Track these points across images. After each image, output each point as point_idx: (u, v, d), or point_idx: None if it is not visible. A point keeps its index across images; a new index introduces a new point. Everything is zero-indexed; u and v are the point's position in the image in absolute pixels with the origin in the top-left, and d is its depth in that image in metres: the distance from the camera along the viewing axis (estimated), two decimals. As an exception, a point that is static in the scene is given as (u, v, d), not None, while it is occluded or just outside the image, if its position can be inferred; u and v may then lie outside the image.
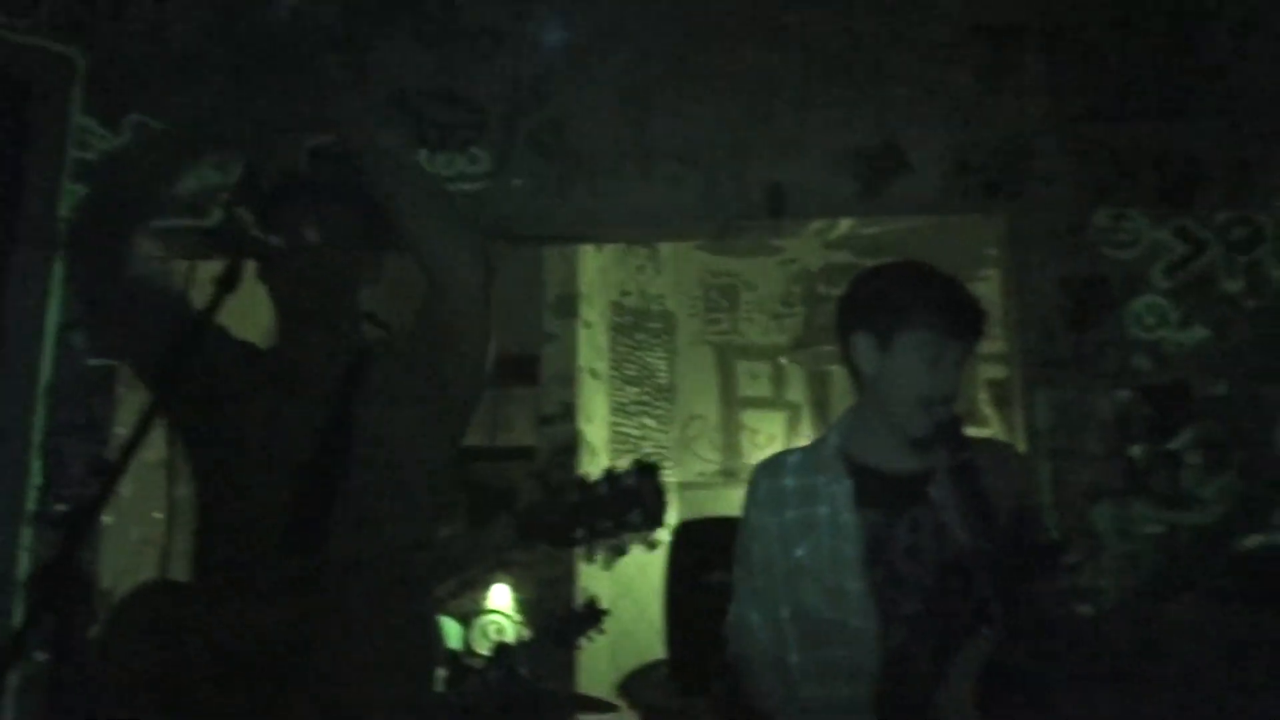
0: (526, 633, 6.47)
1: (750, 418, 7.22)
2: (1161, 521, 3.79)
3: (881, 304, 2.29)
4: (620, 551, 2.01)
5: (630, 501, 1.99)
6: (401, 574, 2.03)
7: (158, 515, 2.17)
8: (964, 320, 2.26)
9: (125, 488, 1.97)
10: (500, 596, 6.87)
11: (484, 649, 6.24)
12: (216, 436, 2.09)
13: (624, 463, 2.01)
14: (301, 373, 2.12)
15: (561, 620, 3.81)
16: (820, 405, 7.16)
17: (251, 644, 1.87)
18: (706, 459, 7.13)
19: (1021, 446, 3.94)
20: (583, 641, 3.76)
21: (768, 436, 7.15)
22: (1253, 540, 3.69)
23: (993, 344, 5.18)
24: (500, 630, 6.79)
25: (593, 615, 3.71)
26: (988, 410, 6.61)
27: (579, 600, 4.82)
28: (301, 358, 2.13)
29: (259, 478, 2.04)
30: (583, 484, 2.02)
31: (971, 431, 2.19)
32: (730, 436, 7.19)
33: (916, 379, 2.22)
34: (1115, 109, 4.02)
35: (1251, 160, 3.90)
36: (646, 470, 2.01)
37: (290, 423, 2.07)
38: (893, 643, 2.21)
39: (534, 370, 6.45)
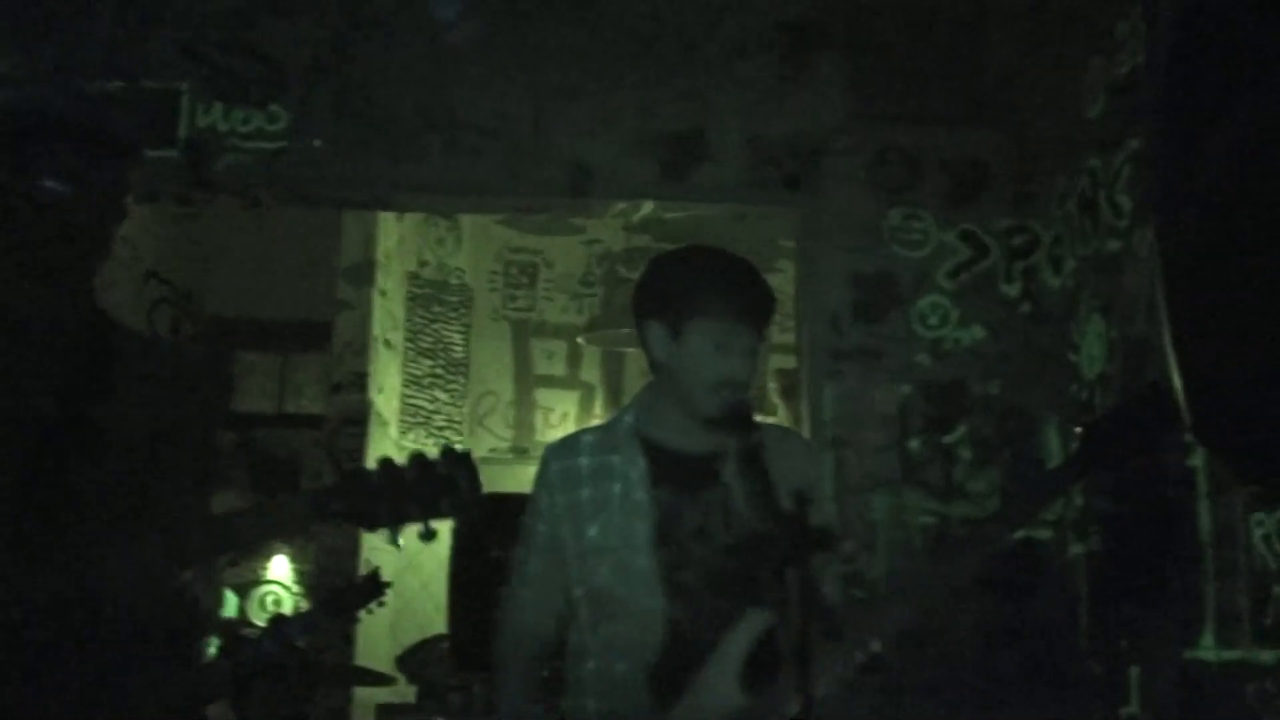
0: (304, 604, 6.34)
1: (544, 396, 7.23)
2: (932, 513, 3.93)
3: (671, 292, 2.32)
4: (426, 537, 1.96)
5: (441, 488, 1.94)
6: (169, 548, 1.93)
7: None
8: (753, 306, 2.30)
9: None
10: (279, 568, 6.73)
11: (261, 620, 6.09)
12: None
13: (432, 449, 1.94)
14: (25, 330, 1.94)
15: (337, 591, 3.74)
16: (614, 386, 7.22)
17: None
18: (498, 435, 7.10)
19: (806, 435, 4.04)
20: (362, 614, 3.70)
21: (561, 415, 7.18)
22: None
23: (783, 334, 5.32)
24: (278, 601, 6.65)
25: (374, 587, 3.65)
26: (776, 399, 6.77)
27: (362, 572, 4.74)
28: (26, 315, 1.95)
29: None
30: (386, 467, 1.94)
31: (760, 419, 2.23)
32: (523, 414, 7.19)
33: (708, 364, 2.26)
34: (909, 112, 4.15)
35: (1032, 171, 4.07)
36: (460, 458, 1.95)
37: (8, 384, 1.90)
38: (676, 620, 2.25)
39: (326, 338, 6.32)
